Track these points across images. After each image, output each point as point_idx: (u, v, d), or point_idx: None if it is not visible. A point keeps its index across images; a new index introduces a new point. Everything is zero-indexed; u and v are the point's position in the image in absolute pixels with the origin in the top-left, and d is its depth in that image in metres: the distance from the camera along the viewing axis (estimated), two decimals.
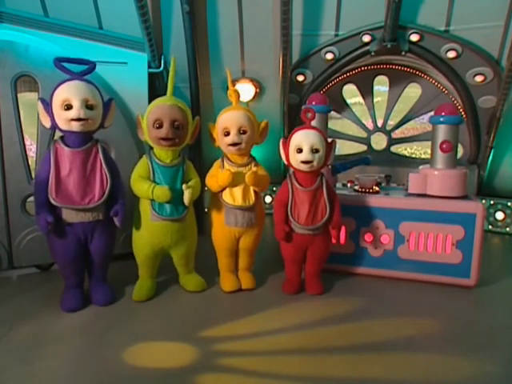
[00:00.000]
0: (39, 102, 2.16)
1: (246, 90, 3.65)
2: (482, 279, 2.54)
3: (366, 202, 2.64)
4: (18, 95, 2.58)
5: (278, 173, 3.91)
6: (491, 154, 3.60)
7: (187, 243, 2.42)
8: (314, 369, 1.79)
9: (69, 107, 2.10)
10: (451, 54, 3.37)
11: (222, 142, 2.42)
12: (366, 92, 4.12)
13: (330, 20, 3.43)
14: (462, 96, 3.54)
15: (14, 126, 2.55)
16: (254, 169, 2.41)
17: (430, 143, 2.71)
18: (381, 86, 4.35)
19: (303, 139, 2.28)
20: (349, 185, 2.90)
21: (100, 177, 2.20)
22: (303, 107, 2.49)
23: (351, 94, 4.40)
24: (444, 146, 2.58)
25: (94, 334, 2.04)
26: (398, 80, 3.99)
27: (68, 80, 2.14)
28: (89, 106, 2.13)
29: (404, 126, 4.26)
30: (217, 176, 2.39)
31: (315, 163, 2.29)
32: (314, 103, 2.83)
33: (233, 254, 2.55)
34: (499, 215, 3.66)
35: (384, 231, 2.62)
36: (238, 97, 2.49)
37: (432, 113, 2.75)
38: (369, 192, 2.72)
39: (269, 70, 3.57)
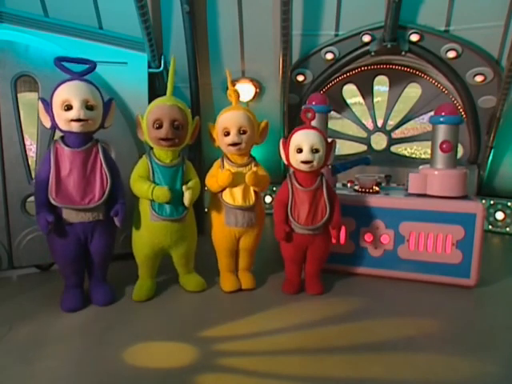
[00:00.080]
0: (39, 102, 2.16)
1: (246, 90, 3.65)
2: (482, 279, 2.54)
3: (366, 202, 2.64)
4: (18, 95, 2.58)
5: (278, 173, 3.91)
6: (491, 154, 3.60)
7: (187, 243, 2.42)
8: (313, 369, 1.79)
9: (69, 108, 2.10)
10: (451, 54, 3.37)
11: (222, 142, 2.42)
12: (366, 92, 4.12)
13: (330, 20, 3.43)
14: (462, 96, 3.54)
15: (13, 126, 2.55)
16: (254, 169, 2.41)
17: (430, 143, 2.71)
18: (381, 85, 4.35)
19: (303, 139, 2.28)
20: (349, 185, 2.90)
21: (100, 177, 2.20)
22: (303, 107, 2.49)
23: (351, 94, 4.40)
24: (444, 145, 2.58)
25: (94, 334, 2.04)
26: (398, 80, 3.99)
27: (68, 80, 2.14)
28: (89, 107, 2.13)
29: (404, 126, 4.26)
30: (217, 176, 2.39)
31: (315, 163, 2.29)
32: (314, 103, 2.83)
33: (233, 254, 2.55)
34: (499, 215, 3.66)
35: (384, 231, 2.62)
36: (238, 97, 2.49)
37: (432, 113, 2.75)
38: (369, 192, 2.72)
39: (269, 70, 3.57)
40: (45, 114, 2.16)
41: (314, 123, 2.38)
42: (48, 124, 2.18)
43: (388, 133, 4.20)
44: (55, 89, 2.12)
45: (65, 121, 2.12)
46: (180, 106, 2.27)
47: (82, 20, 3.04)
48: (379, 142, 4.32)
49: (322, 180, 2.38)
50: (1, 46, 2.48)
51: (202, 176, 2.51)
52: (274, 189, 4.09)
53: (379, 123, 4.21)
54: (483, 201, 3.68)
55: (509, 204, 3.63)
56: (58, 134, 2.30)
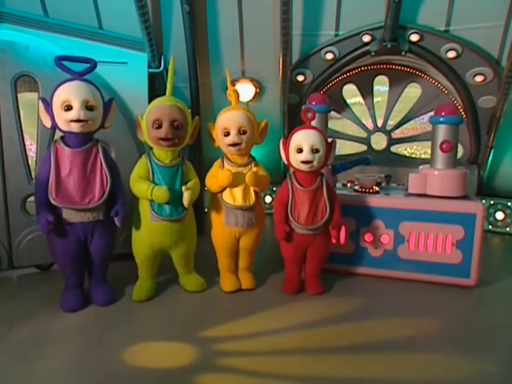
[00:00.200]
0: (40, 102, 2.16)
1: (246, 90, 3.65)
2: (482, 279, 2.54)
3: (366, 202, 2.64)
4: (18, 95, 2.57)
5: (278, 173, 3.91)
6: (491, 154, 3.60)
7: (186, 243, 2.42)
8: (313, 369, 1.79)
9: (69, 108, 2.10)
10: (451, 54, 3.37)
11: (222, 143, 2.42)
12: (366, 92, 4.12)
13: (330, 20, 3.43)
14: (462, 96, 3.54)
15: (13, 126, 2.55)
16: (254, 169, 2.41)
17: (430, 143, 2.71)
18: (381, 85, 4.35)
19: (303, 139, 2.28)
20: (349, 185, 2.90)
21: (100, 177, 2.20)
22: (303, 107, 2.49)
23: (351, 94, 4.40)
24: (444, 146, 2.58)
25: (94, 334, 2.04)
26: (398, 80, 3.99)
27: (68, 80, 2.14)
28: (89, 107, 2.12)
29: (404, 126, 4.26)
30: (217, 176, 2.39)
31: (315, 163, 2.29)
32: (314, 103, 2.83)
33: (233, 254, 2.55)
34: (499, 215, 3.66)
35: (384, 231, 2.62)
36: (238, 97, 2.48)
37: (432, 113, 2.75)
38: (369, 192, 2.72)
39: (269, 70, 3.56)
40: (45, 113, 2.16)
41: (314, 123, 2.38)
42: (48, 124, 2.18)
43: (388, 133, 4.20)
44: (55, 89, 2.12)
45: (65, 121, 2.12)
46: (179, 105, 2.27)
47: (82, 20, 3.04)
48: (379, 142, 4.32)
49: (322, 180, 2.38)
50: (1, 46, 2.49)
51: (201, 176, 2.51)
52: (274, 189, 4.09)
53: (379, 123, 4.21)
54: (483, 201, 3.68)
55: (509, 204, 3.63)
56: (58, 134, 2.30)
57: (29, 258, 2.66)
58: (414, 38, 3.37)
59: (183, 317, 2.23)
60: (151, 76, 3.10)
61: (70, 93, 2.09)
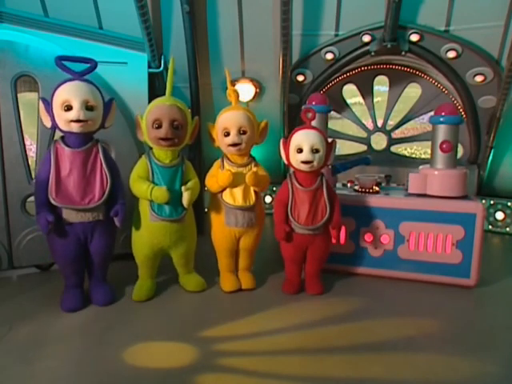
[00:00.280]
0: (40, 102, 2.16)
1: (246, 90, 3.65)
2: (482, 279, 2.54)
3: (366, 202, 2.64)
4: (18, 95, 2.57)
5: (278, 173, 3.91)
6: (491, 154, 3.60)
7: (186, 243, 2.42)
8: (313, 369, 1.79)
9: (69, 108, 2.09)
10: (451, 54, 3.37)
11: (222, 143, 2.42)
12: (366, 92, 4.12)
13: (330, 20, 3.43)
14: (462, 96, 3.54)
15: (13, 126, 2.55)
16: (254, 169, 2.41)
17: (430, 143, 2.71)
18: (381, 85, 4.35)
19: (303, 139, 2.28)
20: (349, 185, 2.90)
21: (100, 177, 2.20)
22: (303, 107, 2.49)
23: (351, 94, 4.40)
24: (444, 146, 2.58)
25: (94, 334, 2.04)
26: (398, 80, 3.99)
27: (69, 80, 2.14)
28: (89, 107, 2.12)
29: (404, 126, 4.26)
30: (217, 176, 2.39)
31: (315, 163, 2.29)
32: (314, 103, 2.83)
33: (233, 254, 2.55)
34: (499, 215, 3.66)
35: (384, 231, 2.62)
36: (238, 97, 2.48)
37: (432, 113, 2.75)
38: (369, 192, 2.72)
39: (269, 70, 3.56)
40: (45, 113, 2.16)
41: (314, 123, 2.38)
42: (49, 124, 2.18)
43: (388, 133, 4.20)
44: (55, 89, 2.12)
45: (65, 121, 2.12)
46: (179, 105, 2.27)
47: (82, 20, 3.04)
48: (379, 142, 4.32)
49: (322, 180, 2.38)
50: (1, 46, 2.49)
51: (201, 176, 2.51)
52: (274, 189, 4.09)
53: (379, 123, 4.21)
54: (483, 201, 3.68)
55: (509, 204, 3.63)
56: (58, 134, 2.30)
57: (29, 258, 2.66)
58: (414, 38, 3.37)
59: (183, 317, 2.23)
60: (151, 76, 3.10)
61: (70, 93, 2.09)
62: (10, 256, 2.62)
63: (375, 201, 2.64)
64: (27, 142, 2.69)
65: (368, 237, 2.66)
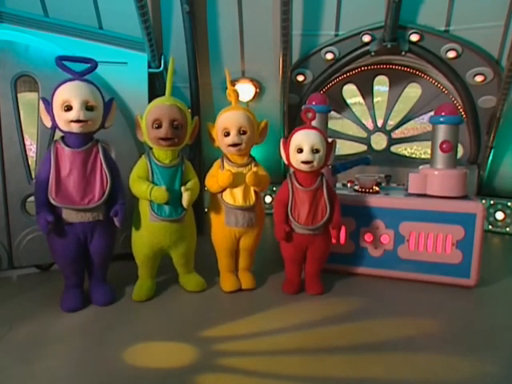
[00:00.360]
0: (40, 102, 2.16)
1: (246, 90, 3.65)
2: (482, 279, 2.54)
3: (366, 202, 2.64)
4: (18, 95, 2.57)
5: (278, 173, 3.91)
6: (491, 154, 3.60)
7: (186, 243, 2.42)
8: (314, 369, 1.79)
9: (69, 108, 2.09)
10: (451, 54, 3.37)
11: (222, 143, 2.42)
12: (366, 92, 4.12)
13: (330, 20, 3.43)
14: (462, 96, 3.54)
15: (13, 126, 2.55)
16: (254, 169, 2.41)
17: (430, 143, 2.71)
18: (381, 85, 4.35)
19: (304, 139, 2.28)
20: (349, 185, 2.90)
21: (100, 177, 2.20)
22: (303, 107, 2.49)
23: (351, 94, 4.40)
24: (444, 146, 2.58)
25: (94, 334, 2.04)
26: (398, 80, 3.99)
27: (69, 80, 2.14)
28: (89, 108, 2.12)
29: (404, 126, 4.25)
30: (217, 176, 2.39)
31: (315, 163, 2.29)
32: (314, 103, 2.83)
33: (233, 254, 2.55)
34: (499, 215, 3.66)
35: (384, 231, 2.62)
36: (237, 96, 2.48)
37: (432, 113, 2.75)
38: (369, 192, 2.72)
39: (269, 70, 3.56)
40: (46, 113, 2.16)
41: (314, 123, 2.38)
42: (49, 124, 2.19)
43: (388, 133, 4.19)
44: (55, 89, 2.12)
45: (65, 121, 2.12)
46: (179, 105, 2.27)
47: (82, 20, 3.04)
48: (379, 142, 4.32)
49: (323, 180, 2.38)
50: (1, 46, 2.48)
51: (201, 176, 2.51)
52: (274, 189, 4.09)
53: (379, 123, 4.20)
54: (483, 201, 3.68)
55: (509, 204, 3.63)
56: (58, 134, 2.30)
57: (29, 258, 2.66)
58: (414, 38, 3.37)
59: (183, 317, 2.23)
60: (151, 76, 3.10)
61: (71, 93, 2.09)
62: (9, 256, 2.62)
63: (375, 201, 2.64)
64: (27, 142, 2.69)
65: (368, 237, 2.66)
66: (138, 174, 2.30)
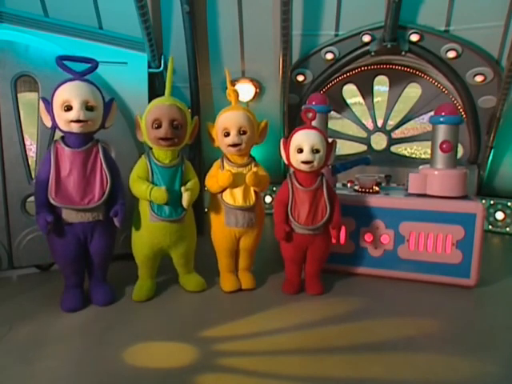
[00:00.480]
0: (41, 102, 2.16)
1: (246, 90, 3.65)
2: (482, 279, 2.54)
3: (366, 202, 2.64)
4: (18, 95, 2.57)
5: (278, 173, 3.91)
6: (491, 154, 3.60)
7: (186, 243, 2.42)
8: (313, 369, 1.79)
9: (69, 108, 2.09)
10: (451, 54, 3.37)
11: (222, 143, 2.42)
12: (366, 92, 4.12)
13: (330, 20, 3.43)
14: (462, 96, 3.54)
15: (13, 126, 2.55)
16: (254, 169, 2.41)
17: (430, 143, 2.71)
18: (381, 85, 4.35)
19: (304, 139, 2.28)
20: (349, 185, 2.90)
21: (100, 177, 2.20)
22: (303, 107, 2.49)
23: (351, 94, 4.40)
24: (444, 145, 2.58)
25: (94, 334, 2.04)
26: (398, 80, 3.99)
27: (69, 80, 2.14)
28: (89, 108, 2.12)
29: (404, 126, 4.25)
30: (217, 176, 2.39)
31: (316, 163, 2.29)
32: (314, 103, 2.83)
33: (233, 254, 2.55)
34: (499, 215, 3.66)
35: (384, 231, 2.62)
36: (237, 96, 2.48)
37: (432, 113, 2.75)
38: (369, 192, 2.72)
39: (269, 70, 3.56)
40: (46, 113, 2.16)
41: (314, 123, 2.38)
42: (49, 124, 2.19)
43: (388, 133, 4.19)
44: (56, 89, 2.12)
45: (65, 121, 2.12)
46: (179, 105, 2.27)
47: (82, 20, 3.04)
48: (379, 142, 4.32)
49: (323, 180, 2.38)
50: (1, 46, 2.48)
51: (201, 176, 2.51)
52: (274, 189, 4.09)
53: (379, 123, 4.20)
54: (483, 201, 3.68)
55: (509, 204, 3.63)
56: (58, 134, 2.30)
57: (29, 258, 2.66)
58: (414, 38, 3.37)
59: (183, 317, 2.23)
60: (151, 76, 3.10)
61: (71, 93, 2.09)
62: (9, 256, 2.62)
63: (375, 201, 2.64)
64: (27, 142, 2.69)
65: (368, 237, 2.66)
66: (137, 174, 2.30)
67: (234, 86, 2.61)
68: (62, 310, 2.23)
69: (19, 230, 2.61)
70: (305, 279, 2.52)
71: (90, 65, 2.22)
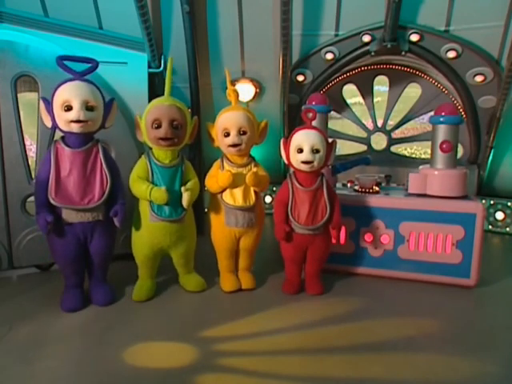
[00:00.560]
0: (41, 102, 2.16)
1: (246, 90, 3.65)
2: (482, 279, 2.54)
3: (366, 202, 2.64)
4: (18, 95, 2.57)
5: (278, 173, 3.91)
6: (491, 154, 3.60)
7: (186, 243, 2.42)
8: (313, 369, 1.79)
9: (69, 108, 2.09)
10: (451, 54, 3.37)
11: (222, 143, 2.42)
12: (366, 92, 4.12)
13: (330, 20, 3.43)
14: (462, 96, 3.54)
15: (13, 126, 2.55)
16: (254, 169, 2.41)
17: (430, 143, 2.71)
18: (381, 86, 4.35)
19: (304, 139, 2.28)
20: (349, 185, 2.90)
21: (100, 177, 2.20)
22: (303, 107, 2.49)
23: (351, 94, 4.40)
24: (444, 146, 2.58)
25: (94, 334, 2.04)
26: (398, 80, 3.99)
27: (69, 80, 2.14)
28: (89, 108, 2.12)
29: (404, 126, 4.26)
30: (217, 177, 2.39)
31: (316, 163, 2.29)
32: (314, 103, 2.83)
33: (233, 254, 2.55)
34: (499, 215, 3.66)
35: (384, 231, 2.62)
36: (237, 96, 2.48)
37: (432, 113, 2.75)
38: (369, 192, 2.72)
39: (269, 70, 3.56)
40: (46, 113, 2.16)
41: (314, 123, 2.38)
42: (49, 124, 2.19)
43: (388, 133, 4.20)
44: (56, 89, 2.12)
45: (65, 121, 2.12)
46: (178, 105, 2.27)
47: (82, 20, 3.04)
48: (379, 142, 4.32)
49: (323, 180, 2.38)
50: (1, 46, 2.49)
51: (201, 176, 2.51)
52: (274, 189, 4.09)
53: (379, 123, 4.21)
54: (483, 201, 3.68)
55: (509, 204, 3.63)
56: (58, 134, 2.30)
57: (29, 258, 2.66)
58: (414, 38, 3.37)
59: (183, 317, 2.23)
60: (151, 76, 3.10)
61: (71, 93, 2.09)
62: (9, 256, 2.62)
63: (375, 201, 2.64)
64: (27, 142, 2.69)
65: (368, 237, 2.66)
66: (137, 174, 2.30)
67: (233, 86, 2.60)
68: (62, 310, 2.23)
69: (19, 230, 2.61)
70: (305, 279, 2.52)
71: (90, 65, 2.22)
